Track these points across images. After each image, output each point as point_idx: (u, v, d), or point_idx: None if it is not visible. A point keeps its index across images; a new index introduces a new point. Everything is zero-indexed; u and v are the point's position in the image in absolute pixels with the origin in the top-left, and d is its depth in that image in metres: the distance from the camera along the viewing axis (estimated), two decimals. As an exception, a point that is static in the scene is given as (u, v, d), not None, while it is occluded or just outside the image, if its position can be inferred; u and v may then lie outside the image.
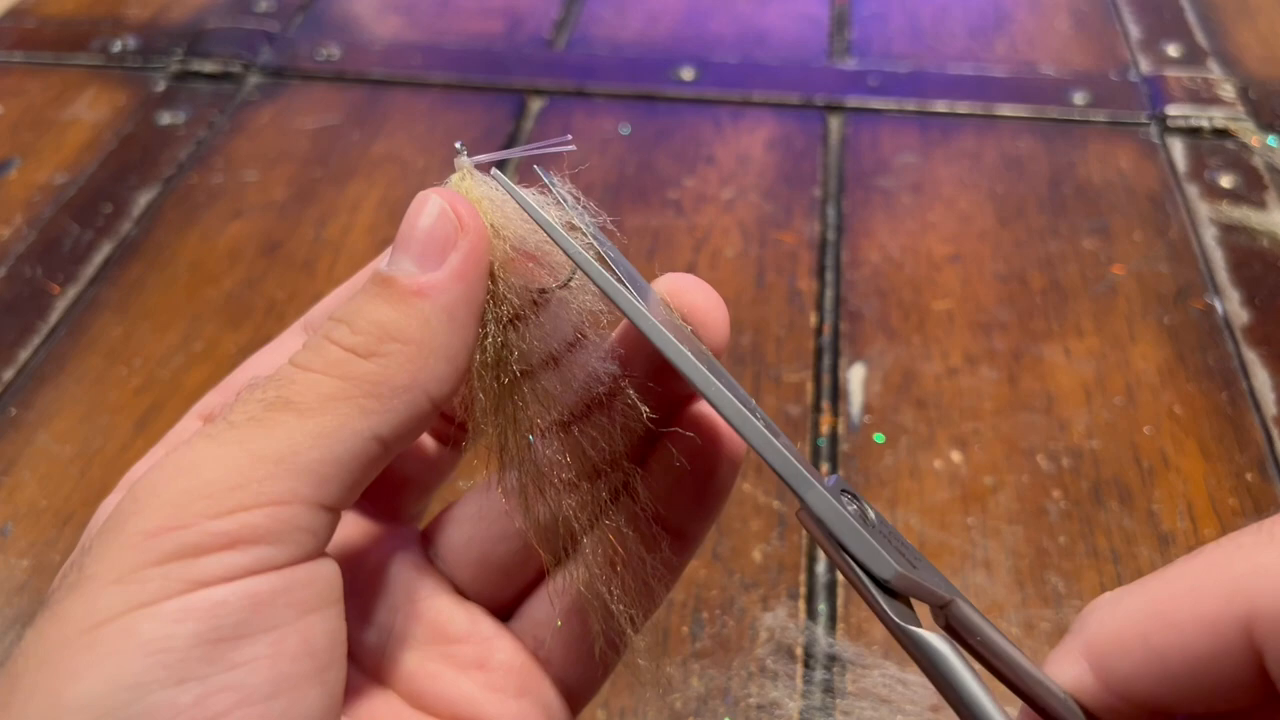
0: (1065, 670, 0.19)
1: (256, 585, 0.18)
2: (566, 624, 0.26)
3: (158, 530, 0.18)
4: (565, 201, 0.23)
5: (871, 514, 0.21)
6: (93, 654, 0.17)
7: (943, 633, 0.19)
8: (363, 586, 0.25)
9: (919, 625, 0.19)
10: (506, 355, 0.23)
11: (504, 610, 0.26)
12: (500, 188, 0.23)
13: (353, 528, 0.26)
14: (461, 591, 0.26)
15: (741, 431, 0.20)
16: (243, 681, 0.17)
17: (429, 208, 0.21)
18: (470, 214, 0.21)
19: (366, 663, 0.24)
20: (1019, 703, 0.20)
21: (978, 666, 0.19)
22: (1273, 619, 0.16)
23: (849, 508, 0.20)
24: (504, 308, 0.22)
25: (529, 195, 0.22)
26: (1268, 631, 0.16)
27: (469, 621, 0.25)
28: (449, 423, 0.27)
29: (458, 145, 0.23)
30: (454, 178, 0.23)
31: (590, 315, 0.23)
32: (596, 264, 0.21)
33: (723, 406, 0.21)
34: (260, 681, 0.18)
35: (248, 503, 0.18)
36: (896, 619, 0.19)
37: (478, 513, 0.27)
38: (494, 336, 0.22)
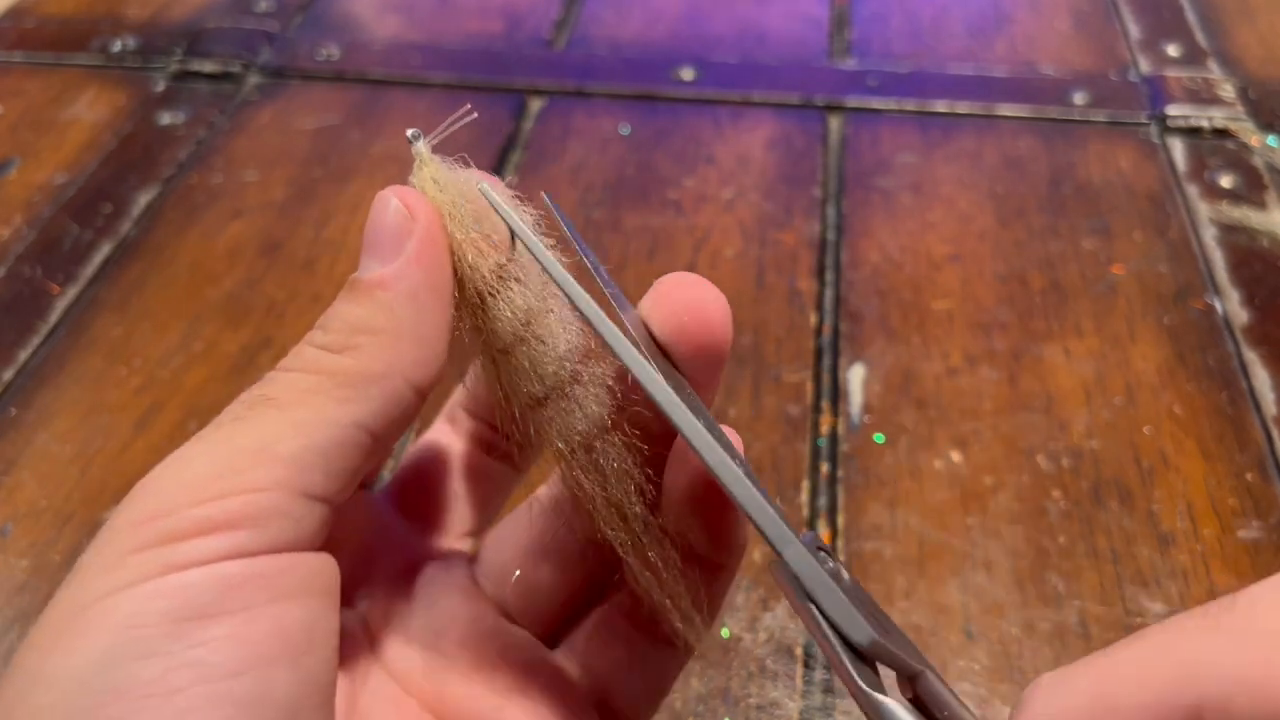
0: None
1: (228, 569, 0.19)
2: (615, 651, 0.26)
3: (142, 519, 0.19)
4: (568, 225, 0.23)
5: (846, 576, 0.20)
6: (73, 632, 0.18)
7: (907, 703, 0.19)
8: (408, 610, 0.25)
9: (884, 693, 0.19)
10: (488, 325, 0.23)
11: (551, 637, 0.27)
12: (462, 179, 0.23)
13: (403, 552, 0.26)
14: (509, 616, 0.26)
15: (719, 477, 0.20)
16: (204, 659, 0.18)
17: (379, 206, 0.22)
18: (419, 202, 0.22)
19: (411, 686, 0.24)
20: None
21: None
22: (1219, 711, 0.16)
23: (826, 566, 0.20)
24: (475, 278, 0.23)
25: (511, 203, 0.23)
26: None
27: (512, 646, 0.25)
28: (504, 439, 0.27)
29: (409, 133, 0.23)
30: (415, 166, 0.23)
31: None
32: (574, 282, 0.22)
33: (702, 448, 0.20)
34: (221, 660, 0.18)
35: (227, 490, 0.19)
36: (863, 684, 0.18)
37: (515, 533, 0.27)
38: (471, 310, 0.23)
